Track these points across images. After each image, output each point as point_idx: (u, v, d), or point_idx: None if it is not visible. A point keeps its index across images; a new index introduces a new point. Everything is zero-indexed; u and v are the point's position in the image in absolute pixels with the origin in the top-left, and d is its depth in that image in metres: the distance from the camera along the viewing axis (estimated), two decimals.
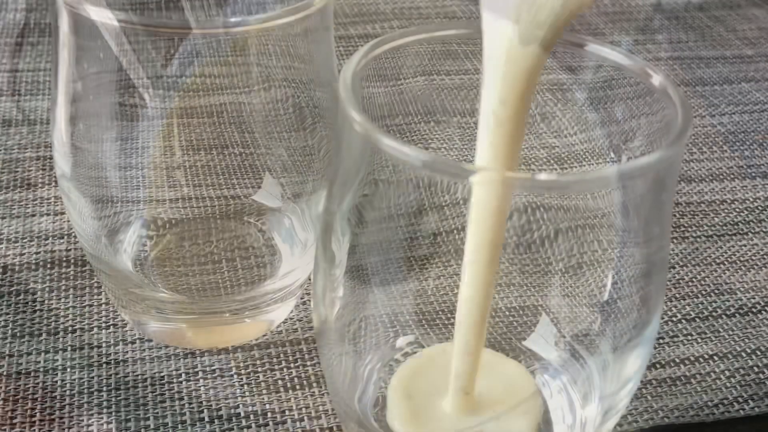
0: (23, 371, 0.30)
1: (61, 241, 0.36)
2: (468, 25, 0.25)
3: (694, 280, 0.36)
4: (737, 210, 0.40)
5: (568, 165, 0.28)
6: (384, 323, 0.27)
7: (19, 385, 0.29)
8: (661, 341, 0.33)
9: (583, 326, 0.26)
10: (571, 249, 0.26)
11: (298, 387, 0.30)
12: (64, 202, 0.30)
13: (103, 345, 0.31)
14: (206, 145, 0.31)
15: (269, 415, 0.29)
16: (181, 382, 0.30)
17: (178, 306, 0.30)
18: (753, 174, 0.43)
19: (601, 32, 0.57)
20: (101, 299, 0.33)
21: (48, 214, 0.37)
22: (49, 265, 0.34)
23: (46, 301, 0.33)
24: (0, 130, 0.42)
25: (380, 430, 0.24)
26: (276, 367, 0.31)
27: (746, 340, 0.33)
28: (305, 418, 0.29)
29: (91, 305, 0.33)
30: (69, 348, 0.31)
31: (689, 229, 0.39)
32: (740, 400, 0.30)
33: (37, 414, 0.28)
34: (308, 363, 0.31)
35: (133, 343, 0.31)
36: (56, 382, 0.29)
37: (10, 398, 0.29)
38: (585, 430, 0.25)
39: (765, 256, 0.38)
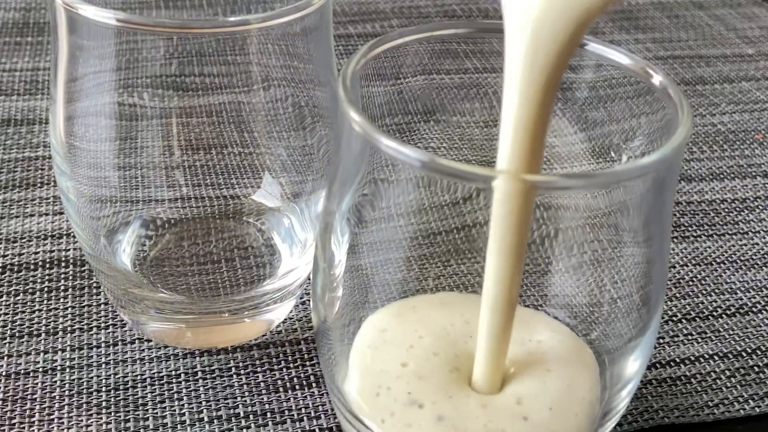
0: (22, 371, 0.30)
1: (60, 241, 0.36)
2: (468, 24, 0.25)
3: (694, 279, 0.36)
4: (738, 209, 0.40)
5: (569, 164, 0.28)
6: None
7: (18, 385, 0.29)
8: (661, 341, 0.33)
9: (583, 326, 0.26)
10: (571, 248, 0.26)
11: (297, 387, 0.30)
12: (62, 201, 0.30)
13: (102, 345, 0.31)
14: (205, 144, 0.31)
15: (268, 415, 0.29)
16: (180, 383, 0.30)
17: (177, 306, 0.30)
18: (753, 173, 0.43)
19: (601, 31, 0.57)
20: (100, 299, 0.33)
21: (47, 214, 0.37)
22: (47, 265, 0.34)
23: (45, 301, 0.33)
24: None
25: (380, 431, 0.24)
26: (275, 367, 0.30)
27: (746, 340, 0.33)
28: (305, 418, 0.29)
29: (90, 305, 0.32)
30: (68, 348, 0.31)
31: (689, 229, 0.39)
32: (741, 399, 0.30)
33: (36, 414, 0.28)
34: (308, 363, 0.31)
35: (132, 343, 0.31)
36: (55, 382, 0.29)
37: (9, 398, 0.29)
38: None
39: (765, 256, 0.37)
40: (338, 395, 0.25)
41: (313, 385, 0.30)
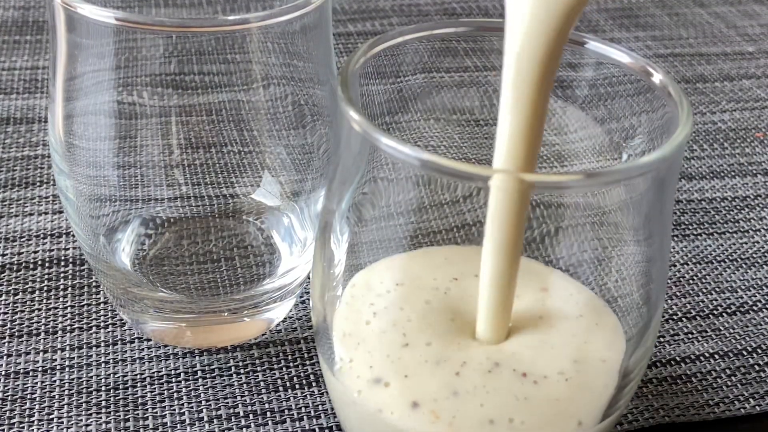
0: (21, 370, 0.30)
1: (59, 240, 0.35)
2: (467, 23, 0.25)
3: (695, 278, 0.36)
4: (738, 207, 0.40)
5: (569, 163, 0.28)
6: None
7: (18, 385, 0.29)
8: (661, 339, 0.33)
9: None
10: (571, 247, 0.26)
11: (297, 386, 0.30)
12: (61, 200, 0.30)
13: (102, 344, 0.31)
14: (205, 143, 0.31)
15: (268, 414, 0.29)
16: (179, 382, 0.30)
17: (176, 305, 0.30)
18: (754, 171, 0.43)
19: (602, 29, 0.57)
20: (99, 298, 0.33)
21: (46, 213, 0.37)
22: (47, 264, 0.34)
23: (45, 301, 0.32)
24: None
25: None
26: (275, 366, 0.30)
27: (747, 338, 0.33)
28: (305, 417, 0.29)
29: (89, 304, 0.32)
30: (67, 347, 0.31)
31: (690, 227, 0.39)
32: (741, 398, 0.30)
33: (36, 413, 0.28)
34: (307, 362, 0.31)
35: (131, 342, 0.31)
36: (54, 381, 0.29)
37: (9, 398, 0.29)
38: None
39: (766, 254, 0.37)
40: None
41: (313, 384, 0.30)
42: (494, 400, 0.21)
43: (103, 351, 0.31)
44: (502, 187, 0.20)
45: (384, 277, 0.24)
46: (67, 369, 0.30)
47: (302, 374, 0.30)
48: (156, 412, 0.28)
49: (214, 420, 0.28)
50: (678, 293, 0.35)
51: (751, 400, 0.30)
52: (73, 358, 0.30)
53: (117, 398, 0.29)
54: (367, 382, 0.22)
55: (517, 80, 0.20)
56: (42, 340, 0.31)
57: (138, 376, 0.30)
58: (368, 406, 0.21)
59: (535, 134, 0.21)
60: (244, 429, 0.28)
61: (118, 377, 0.30)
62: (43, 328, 0.31)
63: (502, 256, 0.21)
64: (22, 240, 0.35)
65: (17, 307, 0.32)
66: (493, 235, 0.21)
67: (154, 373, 0.30)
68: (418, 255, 0.25)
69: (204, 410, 0.29)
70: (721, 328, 0.33)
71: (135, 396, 0.29)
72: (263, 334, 0.32)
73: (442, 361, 0.22)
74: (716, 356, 0.32)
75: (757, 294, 0.35)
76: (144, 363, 0.30)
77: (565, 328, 0.23)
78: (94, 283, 0.33)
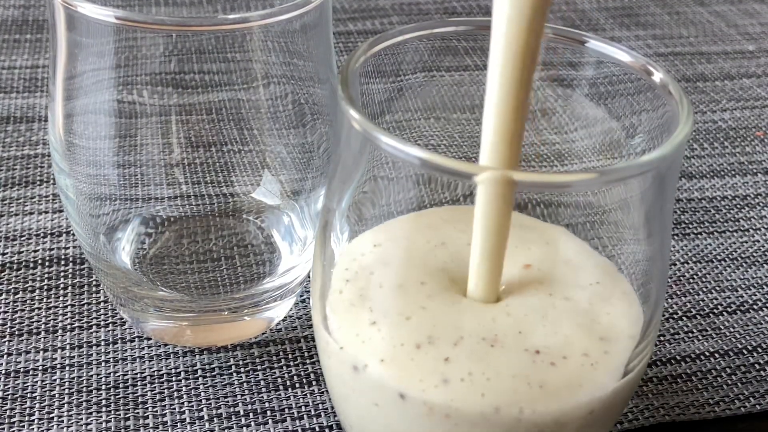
0: (22, 369, 0.30)
1: (60, 238, 0.35)
2: (468, 22, 0.25)
3: (695, 276, 0.36)
4: (738, 206, 0.40)
5: (569, 161, 0.28)
6: None
7: (18, 384, 0.29)
8: (662, 338, 0.33)
9: None
10: None
11: (297, 385, 0.30)
12: (62, 199, 0.30)
13: (102, 343, 0.31)
14: (205, 142, 0.31)
15: (269, 413, 0.29)
16: (180, 381, 0.30)
17: (177, 304, 0.30)
18: (754, 170, 0.43)
19: (602, 28, 0.57)
20: (100, 297, 0.33)
21: (46, 212, 0.37)
22: (47, 263, 0.34)
23: (45, 299, 0.32)
24: None
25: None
26: (275, 365, 0.30)
27: (747, 337, 0.33)
28: (305, 416, 0.29)
29: (89, 303, 0.32)
30: (68, 346, 0.31)
31: (690, 226, 0.39)
32: (741, 397, 0.30)
33: (36, 412, 0.28)
34: (308, 361, 0.31)
35: (131, 341, 0.31)
36: (55, 380, 0.29)
37: (9, 397, 0.29)
38: None
39: (766, 253, 0.37)
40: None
41: (314, 383, 0.30)
42: (498, 389, 0.19)
43: (103, 350, 0.31)
44: (498, 185, 0.20)
45: (366, 238, 0.22)
46: (67, 368, 0.30)
47: (302, 373, 0.30)
48: (156, 411, 0.28)
49: (215, 419, 0.28)
50: (678, 292, 0.35)
51: (751, 399, 0.30)
52: (74, 356, 0.30)
53: (117, 397, 0.29)
54: (350, 368, 0.20)
55: (501, 74, 0.20)
56: (42, 339, 0.31)
57: (138, 375, 0.30)
58: (360, 397, 0.20)
59: (519, 129, 0.20)
60: (245, 428, 0.28)
61: (119, 376, 0.30)
62: (43, 326, 0.31)
63: (490, 249, 0.21)
64: (22, 239, 0.35)
65: (17, 305, 0.32)
66: (480, 224, 0.21)
67: (154, 371, 0.30)
68: (411, 217, 0.23)
69: (204, 409, 0.29)
70: (722, 326, 0.33)
71: (135, 395, 0.29)
72: (263, 333, 0.32)
73: (426, 344, 0.19)
74: (716, 355, 0.32)
75: (757, 293, 0.35)
76: (144, 362, 0.30)
77: (582, 295, 0.21)
78: (94, 282, 0.33)
